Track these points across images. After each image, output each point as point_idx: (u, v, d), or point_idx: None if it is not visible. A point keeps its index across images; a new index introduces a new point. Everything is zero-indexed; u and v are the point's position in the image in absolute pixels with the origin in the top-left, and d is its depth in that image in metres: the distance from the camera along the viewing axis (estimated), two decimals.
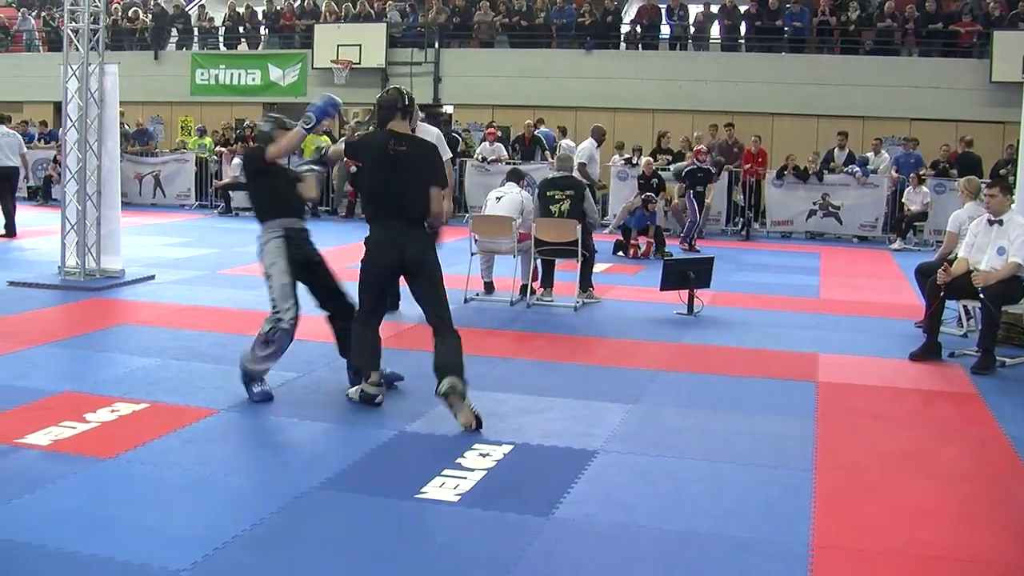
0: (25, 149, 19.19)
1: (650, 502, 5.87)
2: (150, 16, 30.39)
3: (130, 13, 30.38)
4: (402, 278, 7.80)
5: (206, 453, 6.65)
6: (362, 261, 7.67)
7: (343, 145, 8.17)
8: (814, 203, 21.54)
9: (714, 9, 26.15)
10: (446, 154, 10.63)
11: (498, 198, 12.43)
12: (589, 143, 18.07)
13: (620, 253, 17.30)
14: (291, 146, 7.89)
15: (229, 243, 17.65)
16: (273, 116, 8.22)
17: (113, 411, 7.35)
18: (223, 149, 24.39)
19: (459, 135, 24.12)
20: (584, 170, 16.44)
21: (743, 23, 25.98)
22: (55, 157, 22.65)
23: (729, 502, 5.91)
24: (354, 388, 7.82)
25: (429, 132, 10.66)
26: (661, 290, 11.89)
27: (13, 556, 4.98)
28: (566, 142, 23.46)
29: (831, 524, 5.61)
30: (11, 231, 17.94)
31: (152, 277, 13.38)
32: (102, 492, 5.96)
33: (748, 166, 21.95)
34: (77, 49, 13.28)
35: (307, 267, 7.90)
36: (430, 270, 7.62)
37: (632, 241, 17.44)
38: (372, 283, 7.68)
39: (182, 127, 27.26)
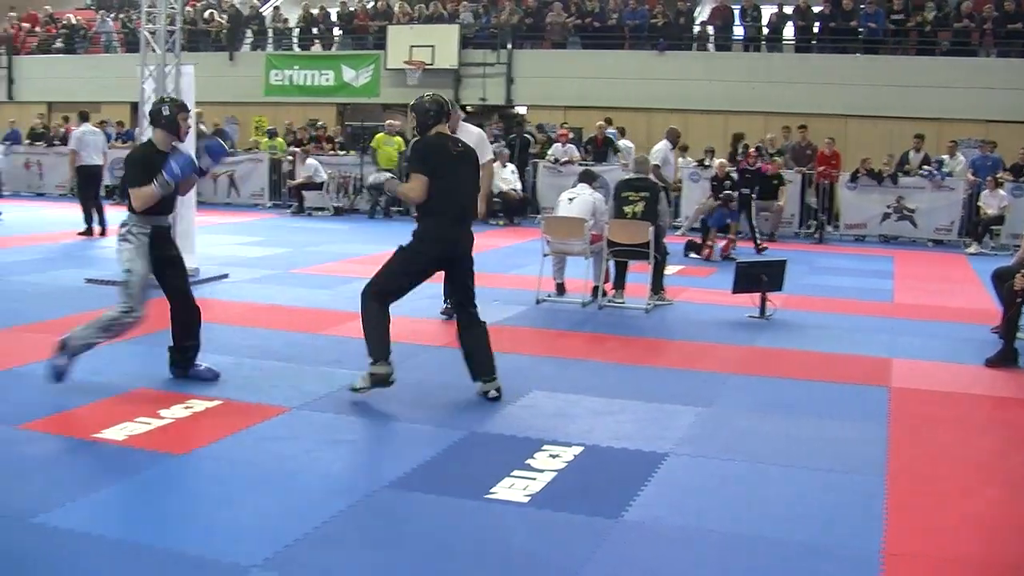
0: (107, 148, 19.48)
1: (720, 506, 5.85)
2: (225, 17, 30.68)
3: (206, 15, 30.68)
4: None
5: (278, 450, 6.71)
6: (412, 250, 7.85)
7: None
8: (888, 206, 21.32)
9: (788, 10, 25.93)
10: (488, 155, 10.68)
11: (570, 199, 12.43)
12: (663, 145, 18.01)
13: (693, 255, 17.18)
14: (148, 201, 7.81)
15: (302, 242, 17.78)
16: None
17: (187, 407, 7.44)
18: (296, 149, 24.57)
19: (532, 136, 24.16)
20: (658, 172, 16.39)
21: (817, 24, 25.72)
22: None
23: (800, 507, 5.88)
24: (361, 378, 7.90)
25: (471, 132, 10.74)
26: (733, 293, 11.84)
27: (90, 549, 5.06)
28: (624, 143, 23.45)
29: (903, 531, 5.56)
30: (102, 228, 18.22)
31: (226, 276, 13.53)
32: (175, 487, 6.04)
33: (822, 168, 21.78)
34: (154, 50, 13.44)
35: (166, 265, 8.05)
36: (470, 265, 8.00)
37: (708, 242, 17.32)
38: (416, 273, 7.96)
39: (256, 127, 27.49)
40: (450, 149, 7.85)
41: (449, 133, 8.14)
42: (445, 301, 10.92)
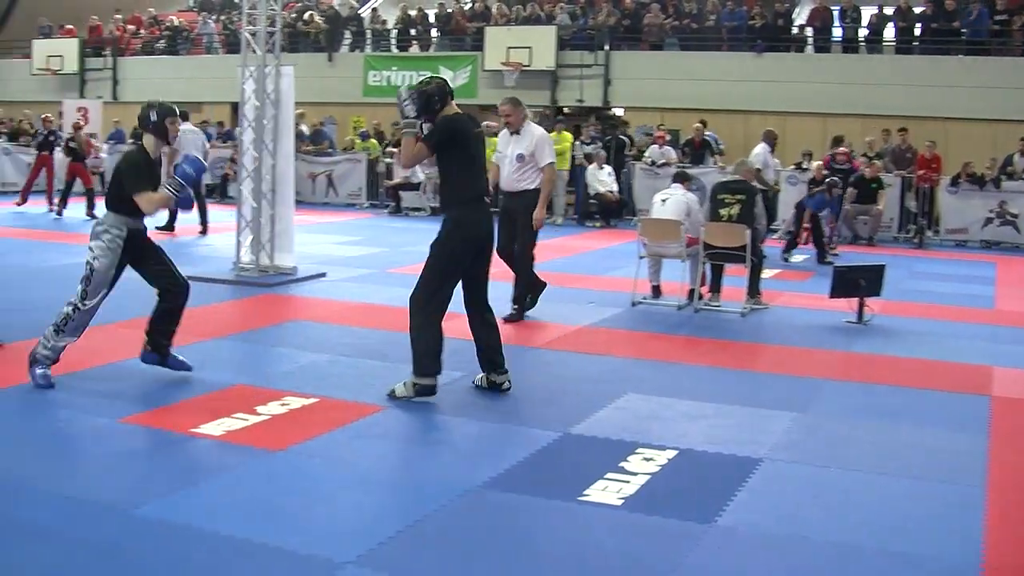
0: (208, 147, 19.74)
1: (815, 513, 5.79)
2: (324, 19, 30.96)
3: (305, 16, 31.00)
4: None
5: (373, 448, 6.76)
6: (453, 241, 7.86)
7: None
8: (991, 211, 20.95)
9: (888, 11, 25.54)
10: (548, 158, 10.69)
11: (663, 200, 12.38)
12: (762, 148, 17.86)
13: (789, 258, 16.91)
14: (161, 205, 8.02)
15: (399, 242, 17.89)
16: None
17: (283, 404, 7.52)
18: (395, 150, 24.70)
19: (628, 138, 24.10)
20: (759, 175, 16.26)
21: (918, 25, 25.31)
22: (232, 156, 23.21)
23: (897, 516, 5.79)
24: (403, 384, 7.90)
25: (533, 133, 10.84)
26: (830, 297, 11.70)
27: (187, 542, 5.14)
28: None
29: (1004, 543, 5.46)
30: (204, 227, 18.50)
31: (324, 274, 13.66)
32: (271, 483, 6.11)
33: (922, 172, 21.44)
34: (254, 51, 13.62)
35: (144, 258, 8.09)
36: (491, 251, 8.13)
37: (804, 224, 17.14)
38: (459, 267, 7.91)
39: (354, 127, 27.72)
40: (475, 130, 8.04)
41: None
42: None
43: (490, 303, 8.17)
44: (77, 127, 22.77)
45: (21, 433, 6.90)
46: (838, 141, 22.13)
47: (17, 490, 5.79)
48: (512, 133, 10.86)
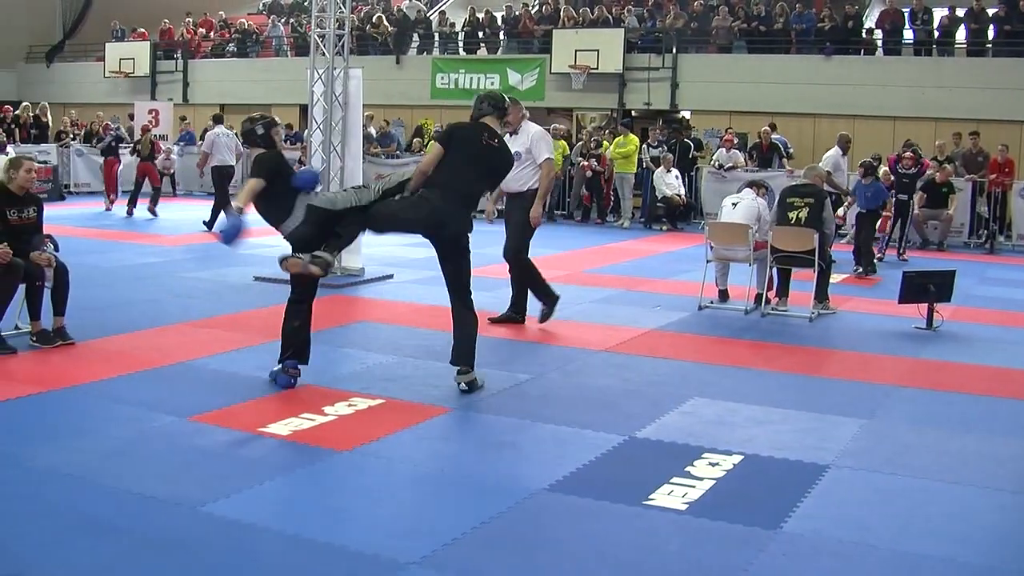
0: (242, 149, 20.01)
1: (883, 521, 5.73)
2: (392, 22, 31.11)
3: (373, 19, 31.17)
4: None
5: (438, 450, 6.80)
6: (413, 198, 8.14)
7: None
8: None
9: (960, 12, 25.24)
10: (545, 154, 10.62)
11: (734, 204, 12.32)
12: (835, 152, 17.67)
13: (858, 269, 16.66)
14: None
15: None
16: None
17: (350, 405, 7.58)
18: None
19: (695, 141, 24.01)
20: (831, 180, 16.13)
21: (991, 27, 24.99)
22: (300, 158, 23.38)
23: (966, 526, 5.73)
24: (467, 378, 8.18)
25: (528, 131, 10.77)
26: (899, 303, 11.59)
27: (253, 540, 5.20)
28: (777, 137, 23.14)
29: None
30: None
31: (391, 276, 13.73)
32: (337, 483, 6.17)
33: (994, 176, 21.16)
34: (323, 54, 13.72)
35: None
36: (463, 251, 8.39)
37: (885, 212, 17.12)
38: (403, 220, 8.28)
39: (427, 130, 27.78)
40: (480, 138, 8.26)
41: (495, 127, 8.51)
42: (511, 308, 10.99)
43: (471, 300, 8.38)
44: (145, 129, 23.16)
45: (91, 430, 7.00)
46: (908, 146, 21.91)
47: (86, 485, 5.88)
48: (511, 133, 10.76)
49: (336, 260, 8.26)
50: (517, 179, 10.62)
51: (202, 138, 25.25)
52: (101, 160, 24.03)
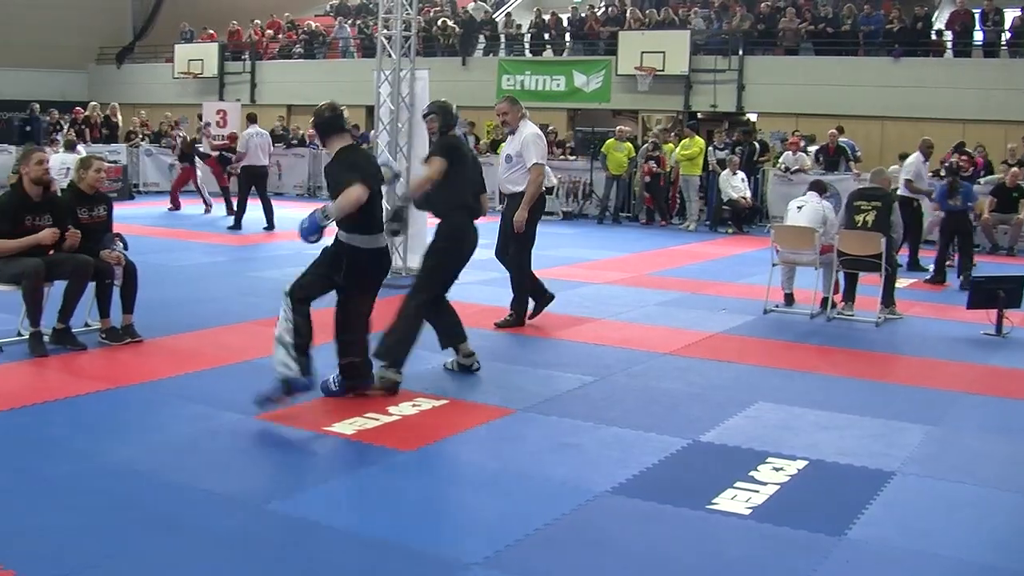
0: (272, 148, 20.21)
1: (949, 530, 5.68)
2: (459, 24, 31.19)
3: (439, 22, 31.27)
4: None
5: (502, 451, 6.81)
6: (446, 249, 8.50)
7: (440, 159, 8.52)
8: None
9: None
10: (534, 158, 10.56)
11: (799, 208, 12.25)
12: (916, 157, 17.35)
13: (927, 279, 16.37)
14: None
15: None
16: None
17: (414, 405, 7.61)
18: None
19: (760, 144, 23.88)
20: (912, 186, 15.96)
21: None
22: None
23: None
24: (451, 360, 8.70)
25: (523, 131, 10.74)
26: (968, 308, 11.47)
27: (317, 538, 5.23)
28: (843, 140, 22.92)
29: None
30: (270, 226, 19.20)
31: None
32: (401, 483, 6.20)
33: None
34: (390, 55, 13.80)
35: None
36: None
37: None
38: (453, 272, 8.62)
39: (488, 131, 27.85)
40: (468, 150, 8.90)
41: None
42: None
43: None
44: (199, 130, 23.56)
45: (159, 426, 7.09)
46: (959, 148, 21.63)
47: (153, 482, 5.96)
48: (509, 133, 10.81)
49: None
50: (513, 180, 10.71)
51: (302, 142, 25.62)
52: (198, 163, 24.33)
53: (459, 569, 4.92)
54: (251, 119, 20.32)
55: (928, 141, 17.71)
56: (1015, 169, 19.82)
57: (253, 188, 19.54)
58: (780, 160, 23.03)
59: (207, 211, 22.53)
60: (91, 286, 9.22)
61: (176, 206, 22.78)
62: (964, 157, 19.45)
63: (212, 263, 15.28)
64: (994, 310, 11.26)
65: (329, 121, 7.63)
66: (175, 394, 7.83)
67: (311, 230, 7.20)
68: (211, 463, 6.37)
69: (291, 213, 21.88)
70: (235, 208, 19.79)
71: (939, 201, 16.09)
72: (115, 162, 24.52)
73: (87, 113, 27.23)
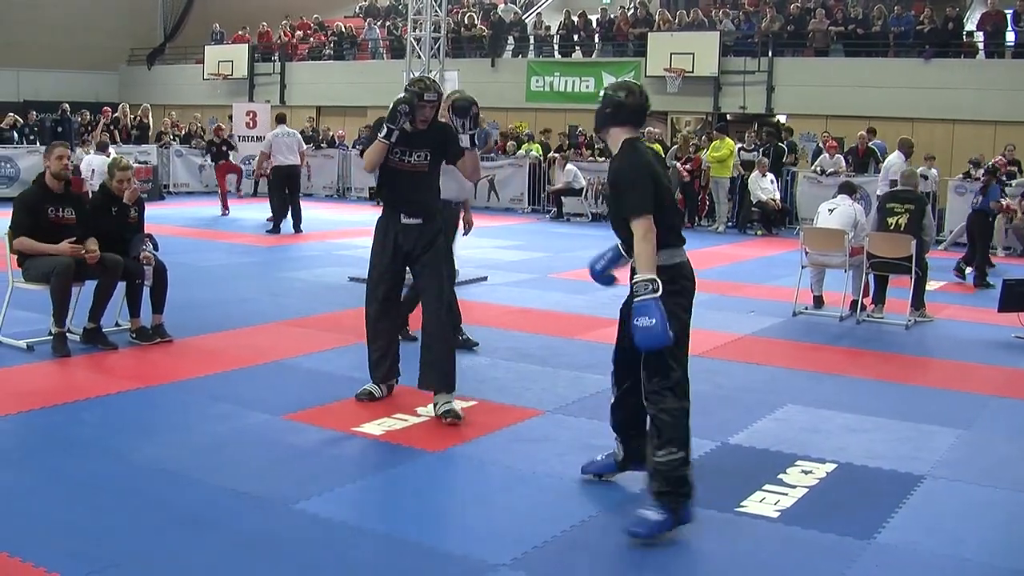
0: (304, 147, 20.18)
1: (979, 535, 5.64)
2: (488, 24, 31.21)
3: (465, 20, 31.29)
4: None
5: (530, 452, 6.81)
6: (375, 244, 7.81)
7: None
8: None
9: None
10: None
11: (830, 210, 12.21)
12: (897, 156, 16.99)
13: (959, 275, 16.27)
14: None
15: (560, 247, 17.94)
16: None
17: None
18: (556, 155, 24.75)
19: (789, 145, 23.78)
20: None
21: None
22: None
23: None
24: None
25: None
26: (999, 311, 11.37)
27: (344, 538, 5.26)
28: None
29: None
30: (297, 227, 19.12)
31: (485, 278, 13.78)
32: (429, 484, 6.21)
33: None
34: (419, 56, 13.85)
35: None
36: (431, 261, 7.77)
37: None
38: (381, 270, 7.84)
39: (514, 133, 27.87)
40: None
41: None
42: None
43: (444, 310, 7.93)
44: (217, 131, 23.72)
45: (188, 426, 7.12)
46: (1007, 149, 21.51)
47: (182, 480, 5.99)
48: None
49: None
50: None
51: (331, 143, 25.68)
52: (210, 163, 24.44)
53: (486, 570, 4.92)
54: (279, 119, 20.29)
55: (908, 140, 17.54)
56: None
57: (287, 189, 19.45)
58: (816, 162, 22.88)
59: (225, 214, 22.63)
60: (122, 286, 9.29)
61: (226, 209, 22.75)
62: (1005, 161, 19.32)
63: (242, 264, 15.34)
64: None
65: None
66: (204, 394, 7.87)
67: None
68: (239, 463, 6.39)
69: (321, 214, 22.05)
70: (271, 212, 19.64)
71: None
72: (145, 163, 24.67)
73: (116, 114, 27.33)
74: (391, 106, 7.20)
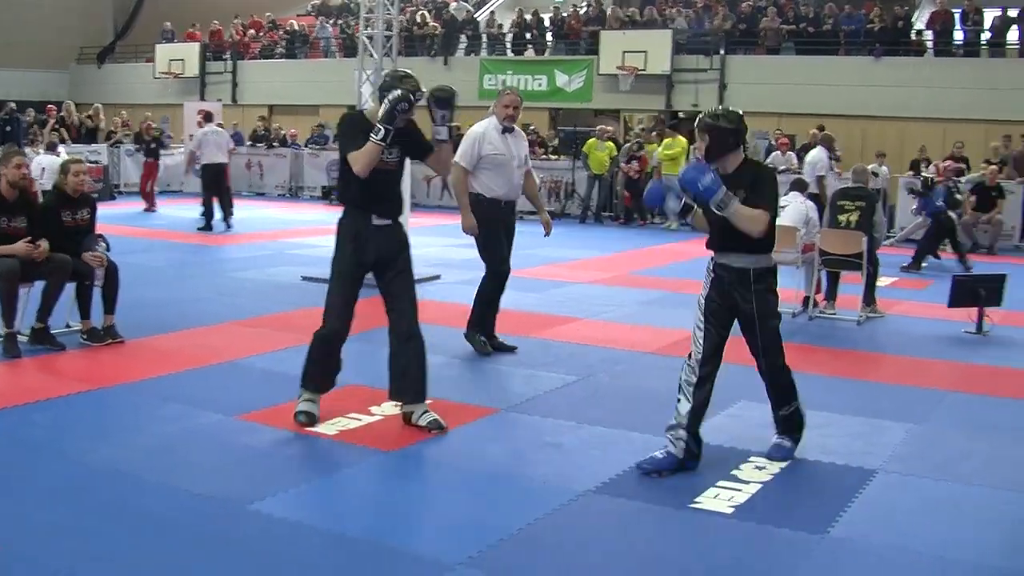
0: (232, 145, 20.16)
1: (930, 529, 5.68)
2: (441, 23, 31.18)
3: (418, 18, 31.24)
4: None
5: (484, 450, 6.80)
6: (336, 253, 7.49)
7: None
8: None
9: (1012, 13, 24.99)
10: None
11: (782, 207, 12.25)
12: (820, 151, 17.09)
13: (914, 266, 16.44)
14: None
15: (512, 245, 17.87)
16: None
17: (397, 405, 7.52)
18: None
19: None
20: (820, 183, 15.98)
21: None
22: None
23: (1016, 534, 5.68)
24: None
25: (519, 130, 9.82)
26: (949, 307, 11.47)
27: (300, 538, 5.22)
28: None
29: None
30: (227, 223, 19.25)
31: (438, 277, 13.76)
32: (383, 483, 6.20)
33: None
34: (371, 55, 13.80)
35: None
36: (402, 267, 7.72)
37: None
38: (348, 280, 7.58)
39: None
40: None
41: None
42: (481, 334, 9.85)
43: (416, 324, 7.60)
44: (147, 128, 23.94)
45: (140, 427, 7.06)
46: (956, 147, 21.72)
47: (134, 482, 5.93)
48: (505, 131, 9.53)
49: None
50: (520, 186, 9.98)
51: (283, 142, 25.56)
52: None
53: (442, 569, 4.90)
54: (207, 118, 20.25)
55: (829, 135, 17.62)
56: (994, 168, 19.91)
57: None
58: (768, 160, 22.99)
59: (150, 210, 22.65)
60: (72, 287, 9.20)
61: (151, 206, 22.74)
62: (943, 168, 19.49)
63: (193, 263, 15.25)
64: (975, 308, 11.29)
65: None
66: (157, 395, 7.80)
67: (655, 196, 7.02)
68: (193, 464, 6.34)
69: (273, 214, 21.96)
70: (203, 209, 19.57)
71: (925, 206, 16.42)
72: (96, 162, 24.46)
73: (62, 113, 27.04)
74: (388, 104, 6.94)
